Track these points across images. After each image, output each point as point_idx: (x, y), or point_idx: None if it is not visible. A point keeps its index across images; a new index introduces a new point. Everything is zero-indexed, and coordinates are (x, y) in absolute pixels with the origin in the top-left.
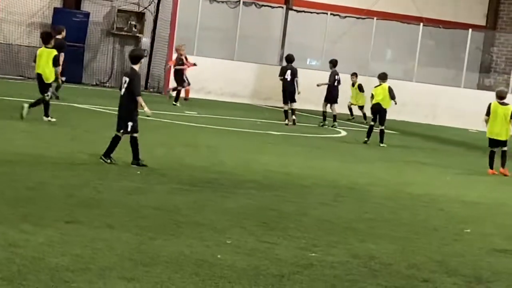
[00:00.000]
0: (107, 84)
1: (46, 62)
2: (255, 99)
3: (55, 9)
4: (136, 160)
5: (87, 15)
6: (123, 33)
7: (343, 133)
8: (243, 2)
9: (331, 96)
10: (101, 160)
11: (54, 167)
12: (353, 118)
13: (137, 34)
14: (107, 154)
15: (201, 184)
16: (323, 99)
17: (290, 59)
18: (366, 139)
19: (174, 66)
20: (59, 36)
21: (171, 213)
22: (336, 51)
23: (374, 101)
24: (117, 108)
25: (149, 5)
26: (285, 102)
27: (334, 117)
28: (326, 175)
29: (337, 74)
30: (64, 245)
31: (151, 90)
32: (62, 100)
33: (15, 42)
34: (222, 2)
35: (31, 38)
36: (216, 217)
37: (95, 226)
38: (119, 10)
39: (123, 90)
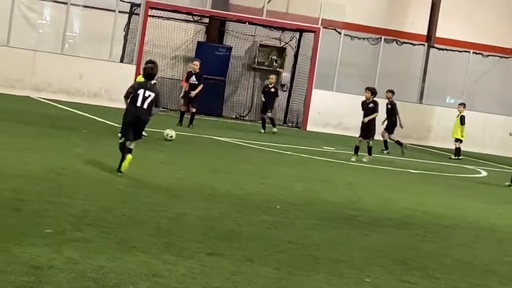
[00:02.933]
0: (247, 118)
1: None
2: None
3: (199, 43)
4: None
5: (229, 49)
6: (264, 67)
7: (483, 173)
8: (384, 39)
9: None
10: None
11: (194, 199)
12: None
13: (278, 69)
14: None
15: (340, 220)
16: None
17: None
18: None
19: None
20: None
21: (310, 248)
22: (478, 89)
23: None
24: (257, 142)
25: (291, 40)
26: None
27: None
28: (466, 216)
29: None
30: (205, 277)
31: (290, 124)
32: (204, 132)
33: (158, 75)
34: (364, 38)
35: (174, 71)
36: (355, 254)
37: (235, 259)
38: (260, 45)
39: (146, 103)
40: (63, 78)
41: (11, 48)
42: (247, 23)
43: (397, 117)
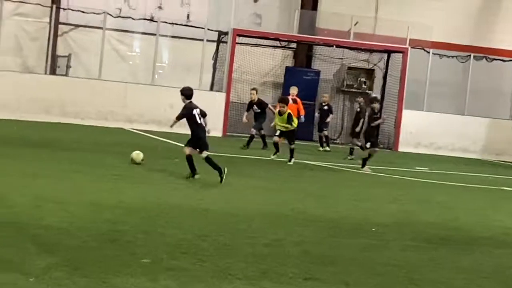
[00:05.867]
0: (338, 141)
1: None
2: (486, 154)
3: (287, 68)
4: None
5: (317, 73)
6: (353, 90)
7: None
8: (474, 56)
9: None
10: None
11: (289, 224)
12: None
13: (367, 91)
14: None
15: (435, 240)
16: None
17: None
18: None
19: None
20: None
21: (406, 270)
22: None
23: None
24: (349, 165)
25: (379, 62)
26: None
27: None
28: None
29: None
30: None
31: (381, 146)
32: (295, 157)
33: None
34: (452, 57)
35: (264, 97)
36: (453, 275)
37: (332, 283)
38: (349, 68)
39: (202, 119)
40: (154, 108)
41: (103, 81)
42: (334, 46)
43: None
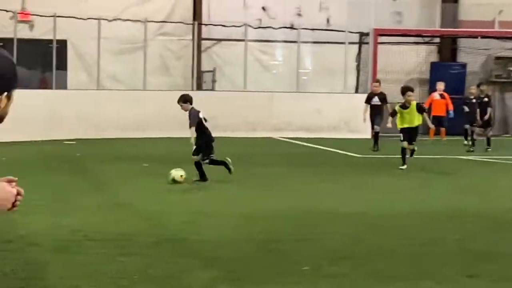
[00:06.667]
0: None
1: None
2: None
3: (432, 63)
4: None
5: (464, 66)
6: (502, 80)
7: None
8: None
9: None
10: None
11: (444, 221)
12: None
13: None
14: None
15: None
16: None
17: None
18: None
19: None
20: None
21: None
22: None
23: None
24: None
25: None
26: None
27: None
28: None
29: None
30: None
31: (509, 135)
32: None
33: (394, 100)
34: None
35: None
36: None
37: (496, 280)
38: (496, 58)
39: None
40: (301, 115)
41: (249, 92)
42: (479, 37)
43: None
